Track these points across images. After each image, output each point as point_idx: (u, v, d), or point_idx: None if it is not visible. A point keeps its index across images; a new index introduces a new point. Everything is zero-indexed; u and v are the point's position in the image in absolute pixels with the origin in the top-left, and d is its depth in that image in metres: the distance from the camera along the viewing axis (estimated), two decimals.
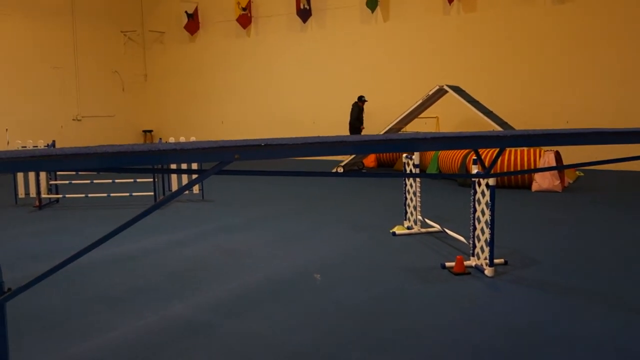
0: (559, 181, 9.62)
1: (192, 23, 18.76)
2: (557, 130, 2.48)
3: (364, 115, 13.75)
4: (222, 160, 2.15)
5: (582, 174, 11.74)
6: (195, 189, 9.78)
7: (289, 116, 17.20)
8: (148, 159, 2.03)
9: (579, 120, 12.93)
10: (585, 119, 12.84)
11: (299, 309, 4.18)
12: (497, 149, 10.09)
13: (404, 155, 6.82)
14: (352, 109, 13.62)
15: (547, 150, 9.88)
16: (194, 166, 9.35)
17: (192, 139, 10.02)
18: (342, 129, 13.99)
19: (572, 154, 11.89)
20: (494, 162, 2.51)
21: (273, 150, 2.15)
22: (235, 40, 18.30)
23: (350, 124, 13.61)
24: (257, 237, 6.63)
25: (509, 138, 2.33)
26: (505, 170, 9.72)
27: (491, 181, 4.77)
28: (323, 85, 16.62)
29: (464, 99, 11.40)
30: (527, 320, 3.89)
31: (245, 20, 17.79)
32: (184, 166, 9.30)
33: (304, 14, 16.76)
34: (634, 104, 12.53)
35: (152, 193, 8.93)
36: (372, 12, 15.69)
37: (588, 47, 13.01)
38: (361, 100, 13.56)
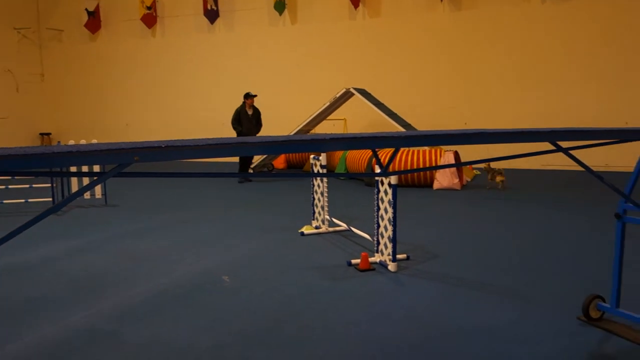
0: (457, 179, 10.17)
1: (93, 21, 18.00)
2: (446, 131, 2.66)
3: (252, 115, 11.50)
4: (120, 162, 2.11)
5: (479, 173, 12.44)
6: (98, 193, 9.41)
7: (197, 118, 16.92)
8: (41, 161, 1.97)
9: (477, 122, 13.72)
10: (485, 121, 13.65)
11: (207, 312, 4.15)
12: (404, 149, 10.42)
13: (312, 156, 6.95)
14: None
15: (447, 151, 10.40)
16: (97, 170, 8.98)
17: (94, 141, 9.62)
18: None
19: (472, 153, 12.60)
20: (389, 161, 2.66)
21: (174, 152, 2.14)
22: (140, 40, 17.76)
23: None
24: (163, 241, 6.49)
25: (403, 138, 2.48)
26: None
27: (393, 180, 4.98)
28: (231, 87, 16.48)
29: (370, 101, 11.77)
30: (429, 312, 4.11)
31: (150, 19, 17.31)
32: (85, 170, 8.93)
33: (212, 15, 16.58)
34: (529, 105, 13.47)
35: (50, 199, 8.49)
36: (280, 14, 15.80)
37: (485, 51, 13.84)
38: (246, 97, 11.46)
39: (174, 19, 17.26)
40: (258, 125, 11.56)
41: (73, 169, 9.18)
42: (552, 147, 3.05)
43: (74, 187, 9.24)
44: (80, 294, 4.62)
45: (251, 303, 4.34)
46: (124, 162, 2.11)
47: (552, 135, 2.88)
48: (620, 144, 3.36)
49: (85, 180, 9.03)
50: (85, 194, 9.30)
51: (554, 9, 13.17)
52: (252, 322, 3.95)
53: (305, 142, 2.54)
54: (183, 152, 2.10)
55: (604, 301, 3.87)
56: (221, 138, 2.48)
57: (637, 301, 4.08)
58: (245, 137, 2.56)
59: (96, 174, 2.89)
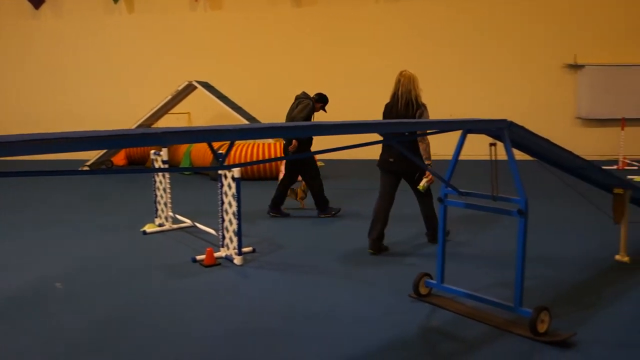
0: None
1: None
2: (284, 124, 2.72)
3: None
4: None
5: (323, 164, 12.88)
6: None
7: (18, 113, 15.38)
8: None
9: (323, 115, 14.14)
10: (330, 114, 14.11)
11: (36, 325, 3.80)
12: (249, 143, 10.40)
13: (152, 151, 6.70)
14: (300, 109, 7.54)
15: None
16: None
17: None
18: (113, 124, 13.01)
19: (315, 145, 12.98)
20: (226, 154, 2.65)
21: None
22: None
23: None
24: None
25: (238, 131, 2.48)
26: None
27: (236, 173, 4.98)
28: (59, 81, 15.26)
29: (214, 94, 11.62)
30: (273, 301, 4.18)
31: None
32: None
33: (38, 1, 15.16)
34: (371, 100, 14.22)
35: None
36: (115, 2, 14.92)
37: (331, 45, 14.32)
38: (321, 99, 7.92)
39: None
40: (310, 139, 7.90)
41: None
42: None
43: None
44: None
45: (92, 310, 4.07)
46: None
47: (381, 127, 3.07)
48: (447, 134, 3.68)
49: None
50: None
51: (389, 8, 14.05)
52: (95, 330, 3.71)
53: (136, 137, 2.43)
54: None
55: (432, 278, 4.24)
56: (41, 134, 2.28)
57: (458, 276, 4.53)
58: (69, 132, 2.38)
59: None
